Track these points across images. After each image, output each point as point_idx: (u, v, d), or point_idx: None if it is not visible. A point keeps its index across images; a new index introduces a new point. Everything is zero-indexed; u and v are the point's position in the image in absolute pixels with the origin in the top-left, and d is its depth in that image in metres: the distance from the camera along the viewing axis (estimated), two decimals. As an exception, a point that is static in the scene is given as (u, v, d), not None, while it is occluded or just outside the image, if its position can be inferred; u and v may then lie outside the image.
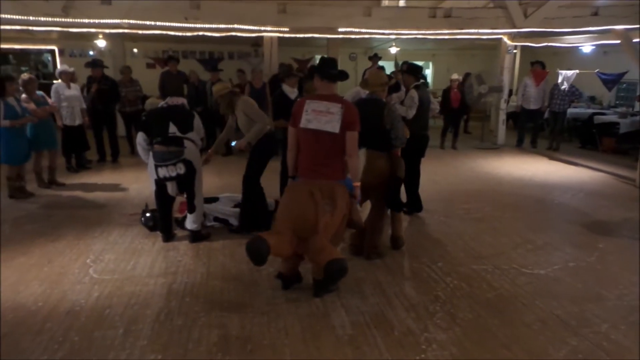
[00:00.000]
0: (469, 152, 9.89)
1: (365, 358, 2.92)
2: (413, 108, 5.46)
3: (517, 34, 9.92)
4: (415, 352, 2.98)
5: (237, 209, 5.13)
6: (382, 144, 4.25)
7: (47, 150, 6.67)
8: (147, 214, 5.08)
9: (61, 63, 12.05)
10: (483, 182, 7.42)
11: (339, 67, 3.89)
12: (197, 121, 4.75)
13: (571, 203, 6.35)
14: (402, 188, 4.66)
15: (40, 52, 13.47)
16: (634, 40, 7.64)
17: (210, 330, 3.19)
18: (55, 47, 13.26)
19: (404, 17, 8.36)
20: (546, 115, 10.40)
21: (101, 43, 11.41)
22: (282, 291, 3.72)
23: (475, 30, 8.63)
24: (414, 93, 5.47)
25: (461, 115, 10.47)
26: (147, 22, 7.58)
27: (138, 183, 6.93)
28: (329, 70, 3.67)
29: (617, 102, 12.39)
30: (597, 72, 10.32)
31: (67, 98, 7.23)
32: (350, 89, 7.12)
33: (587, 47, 11.27)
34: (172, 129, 4.49)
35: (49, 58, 13.49)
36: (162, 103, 4.76)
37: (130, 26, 7.92)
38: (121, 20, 7.46)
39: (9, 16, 6.83)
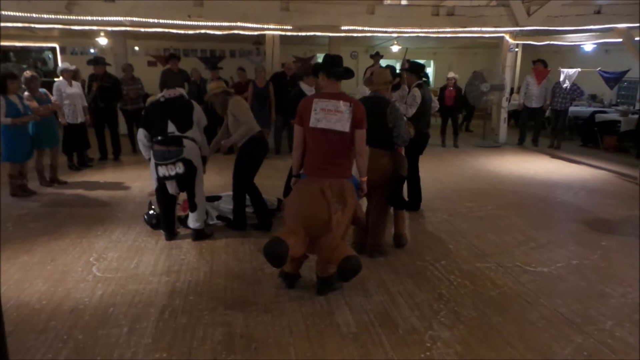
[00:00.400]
0: (471, 150, 9.90)
1: (370, 356, 2.92)
2: (414, 106, 5.44)
3: (520, 32, 9.90)
4: (420, 350, 2.98)
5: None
6: (385, 142, 4.25)
7: (49, 148, 6.66)
8: (151, 212, 5.08)
9: (62, 61, 12.03)
10: (485, 180, 7.42)
11: (342, 66, 3.87)
12: (197, 112, 4.64)
13: (573, 201, 6.35)
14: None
15: (41, 50, 13.44)
16: (636, 38, 7.63)
17: (214, 329, 3.19)
18: (56, 45, 13.24)
19: (406, 15, 8.33)
20: (548, 113, 10.41)
21: (102, 41, 11.39)
22: (286, 289, 3.72)
23: (478, 29, 8.59)
24: (416, 92, 5.45)
25: (457, 113, 10.42)
26: (150, 20, 7.55)
27: (140, 181, 6.92)
28: (335, 69, 3.63)
29: (619, 100, 12.42)
30: (599, 70, 10.32)
31: (69, 96, 7.22)
32: (351, 88, 7.09)
33: (588, 46, 11.27)
34: (171, 128, 4.47)
35: (50, 56, 13.48)
36: (159, 96, 4.69)
37: (133, 24, 7.90)
38: (124, 18, 7.43)
39: (11, 13, 6.80)
